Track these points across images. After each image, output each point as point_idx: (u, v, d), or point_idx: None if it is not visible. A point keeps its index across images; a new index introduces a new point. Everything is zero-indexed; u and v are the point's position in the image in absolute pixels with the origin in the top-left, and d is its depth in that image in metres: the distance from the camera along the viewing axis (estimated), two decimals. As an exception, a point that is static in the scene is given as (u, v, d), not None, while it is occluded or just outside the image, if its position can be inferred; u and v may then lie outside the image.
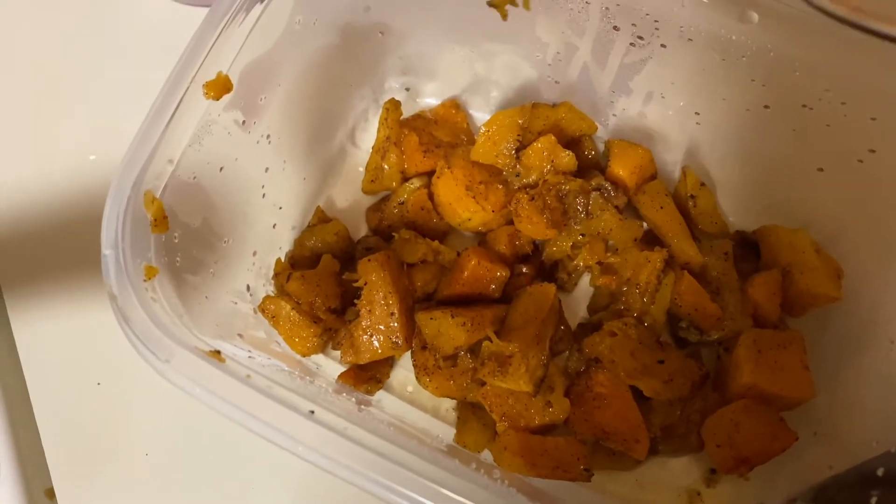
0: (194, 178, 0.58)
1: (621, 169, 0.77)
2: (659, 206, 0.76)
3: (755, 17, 0.58)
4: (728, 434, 0.69)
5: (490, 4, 0.54)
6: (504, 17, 0.57)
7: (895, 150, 0.61)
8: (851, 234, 0.70)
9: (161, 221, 0.55)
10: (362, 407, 0.59)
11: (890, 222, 0.65)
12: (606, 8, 0.63)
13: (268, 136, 0.66)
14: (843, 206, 0.68)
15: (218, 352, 0.52)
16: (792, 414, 0.69)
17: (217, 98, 0.57)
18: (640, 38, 0.64)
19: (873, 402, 0.64)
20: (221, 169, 0.61)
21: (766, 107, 0.64)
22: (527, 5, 0.62)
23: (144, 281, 0.52)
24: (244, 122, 0.62)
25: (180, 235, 0.58)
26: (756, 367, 0.70)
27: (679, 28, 0.61)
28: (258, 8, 0.58)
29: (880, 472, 0.56)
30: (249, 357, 0.58)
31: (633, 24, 0.64)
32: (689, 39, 0.62)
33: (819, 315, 0.73)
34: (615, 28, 0.65)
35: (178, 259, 0.58)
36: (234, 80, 0.58)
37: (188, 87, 0.55)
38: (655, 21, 0.62)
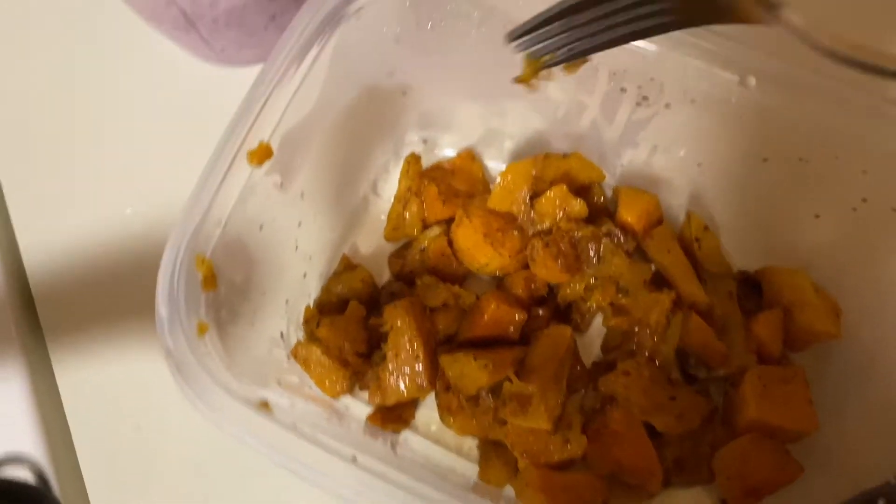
0: (238, 237, 0.63)
1: (629, 215, 0.82)
2: (666, 249, 0.81)
3: (753, 81, 0.63)
4: (737, 466, 0.73)
5: (517, 81, 0.58)
6: (533, 88, 0.62)
7: (885, 200, 0.66)
8: (848, 276, 0.75)
9: (210, 280, 0.59)
10: (398, 451, 0.63)
11: (883, 265, 0.70)
12: (614, 73, 0.68)
13: (302, 194, 0.71)
14: (840, 249, 0.73)
15: (266, 402, 0.56)
16: (799, 447, 0.73)
17: (259, 164, 0.62)
18: (646, 98, 0.70)
19: (876, 434, 0.68)
20: (261, 227, 0.66)
21: (764, 160, 0.69)
22: (551, 77, 0.66)
23: (197, 337, 0.57)
24: (282, 183, 0.66)
25: (225, 291, 0.62)
26: (761, 402, 0.74)
27: (683, 91, 0.66)
28: (297, 78, 0.63)
29: (881, 502, 0.60)
30: (291, 406, 0.62)
31: (639, 87, 0.69)
32: (692, 101, 0.67)
33: (820, 351, 0.78)
34: (622, 90, 0.70)
35: (223, 313, 0.62)
36: (274, 146, 0.63)
37: (234, 158, 0.59)
38: (661, 84, 0.67)
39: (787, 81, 0.62)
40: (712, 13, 0.45)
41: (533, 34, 0.53)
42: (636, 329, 0.79)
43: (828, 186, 0.68)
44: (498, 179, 0.81)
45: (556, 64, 0.53)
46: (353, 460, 0.54)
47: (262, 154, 0.62)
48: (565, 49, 0.52)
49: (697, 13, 0.46)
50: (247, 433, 0.54)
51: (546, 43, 0.52)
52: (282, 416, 0.56)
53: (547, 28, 0.52)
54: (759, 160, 0.70)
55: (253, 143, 0.61)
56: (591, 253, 0.79)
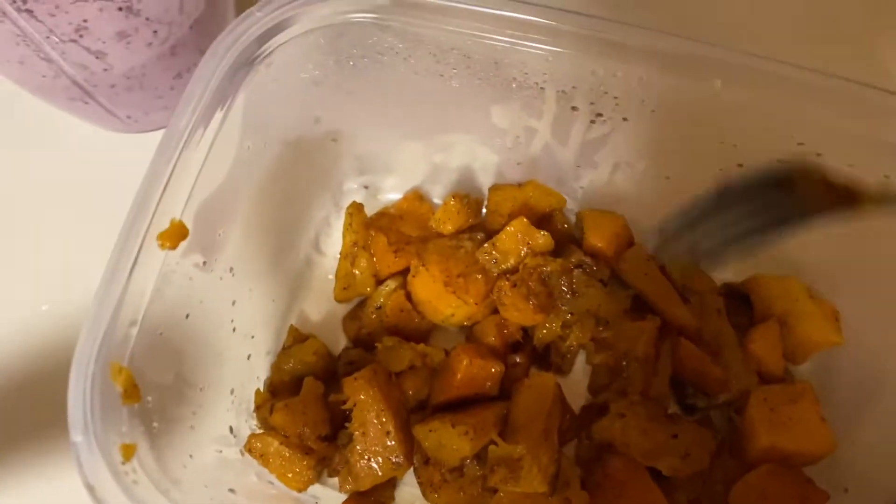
0: (160, 333, 0.54)
1: (598, 240, 0.75)
2: (643, 272, 0.74)
3: (718, 83, 0.57)
4: (756, 502, 0.66)
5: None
6: None
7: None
8: (844, 275, 0.69)
9: (132, 391, 0.50)
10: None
11: (882, 258, 0.64)
12: (562, 91, 0.61)
13: (231, 269, 0.62)
14: (832, 247, 0.67)
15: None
16: (819, 470, 0.66)
17: (174, 247, 0.53)
18: (600, 114, 0.63)
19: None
20: (188, 316, 0.57)
21: (739, 165, 0.63)
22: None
23: (122, 464, 0.47)
24: (205, 262, 0.58)
25: (154, 398, 0.53)
26: (771, 427, 0.67)
27: (640, 101, 0.60)
28: (204, 145, 0.55)
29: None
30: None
31: (591, 103, 0.62)
32: (652, 111, 0.60)
33: (823, 360, 0.72)
34: (573, 108, 0.63)
35: (154, 424, 0.53)
36: (188, 223, 0.54)
37: (142, 244, 0.51)
38: (615, 98, 0.61)
39: (757, 79, 0.56)
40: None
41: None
42: (624, 364, 0.72)
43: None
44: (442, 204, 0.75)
45: None
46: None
47: (175, 234, 0.53)
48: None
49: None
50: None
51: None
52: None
53: None
54: (734, 166, 0.63)
55: (163, 223, 0.52)
56: (564, 288, 0.72)
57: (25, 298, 0.79)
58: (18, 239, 0.82)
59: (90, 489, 0.46)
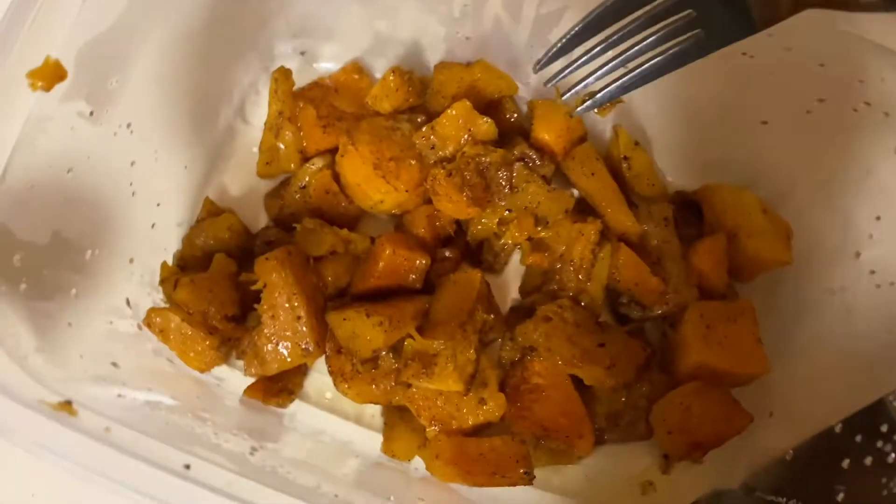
0: (31, 186, 0.48)
1: (546, 132, 0.69)
2: (590, 172, 0.68)
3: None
4: (679, 420, 0.64)
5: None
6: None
7: (846, 100, 0.54)
8: (801, 192, 0.64)
9: (-12, 246, 0.44)
10: (254, 449, 0.51)
11: (843, 177, 0.59)
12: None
13: (128, 125, 0.56)
14: (792, 161, 0.62)
15: (69, 402, 0.43)
16: (746, 392, 0.64)
17: (48, 88, 0.46)
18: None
19: (830, 374, 0.58)
20: (69, 171, 0.51)
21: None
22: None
23: (-32, 321, 0.43)
24: (92, 112, 0.51)
25: (23, 257, 0.48)
26: (705, 344, 0.64)
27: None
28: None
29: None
30: (119, 397, 0.49)
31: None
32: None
33: (769, 280, 0.68)
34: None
35: (22, 286, 0.48)
36: (67, 64, 0.47)
37: (7, 82, 0.44)
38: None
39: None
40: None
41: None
42: (558, 266, 0.68)
43: (777, 86, 0.57)
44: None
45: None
46: (187, 469, 0.41)
47: (49, 74, 0.46)
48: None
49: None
50: (40, 448, 0.40)
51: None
52: (93, 422, 0.42)
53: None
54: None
55: (34, 60, 0.45)
56: (503, 182, 0.67)
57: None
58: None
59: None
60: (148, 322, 0.62)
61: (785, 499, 0.54)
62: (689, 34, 0.48)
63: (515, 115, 0.72)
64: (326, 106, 0.70)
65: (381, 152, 0.66)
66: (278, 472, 0.46)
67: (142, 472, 0.40)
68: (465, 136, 0.66)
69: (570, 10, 0.58)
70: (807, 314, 0.63)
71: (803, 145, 0.60)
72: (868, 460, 0.48)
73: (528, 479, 0.62)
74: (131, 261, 0.61)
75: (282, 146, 0.69)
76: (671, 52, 0.49)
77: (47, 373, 0.45)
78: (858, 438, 0.50)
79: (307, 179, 0.69)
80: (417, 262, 0.65)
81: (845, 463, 0.51)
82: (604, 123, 0.71)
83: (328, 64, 0.74)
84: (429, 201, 0.68)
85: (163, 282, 0.65)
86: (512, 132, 0.71)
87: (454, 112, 0.66)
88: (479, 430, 0.65)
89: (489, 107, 0.71)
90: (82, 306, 0.55)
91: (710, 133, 0.66)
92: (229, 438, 0.50)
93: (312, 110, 0.69)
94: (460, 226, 0.70)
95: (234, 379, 0.66)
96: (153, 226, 0.64)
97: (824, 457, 0.54)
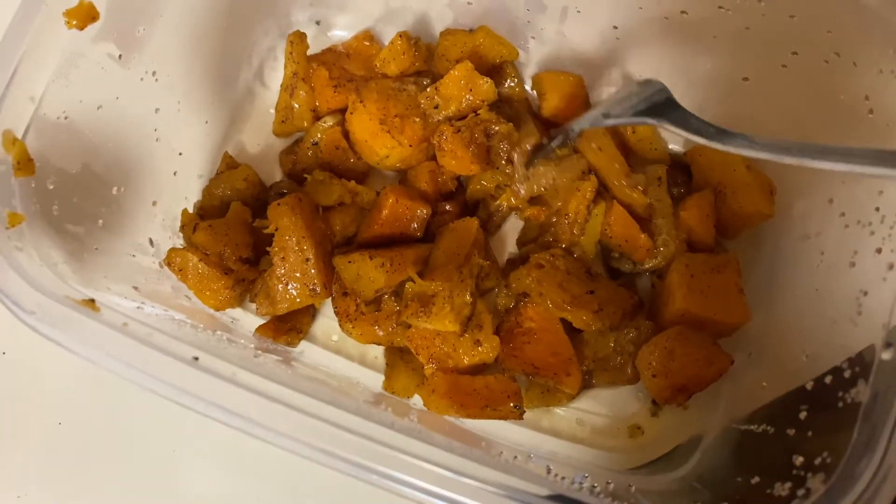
0: (65, 117, 0.53)
1: (558, 100, 0.73)
2: (597, 147, 0.71)
3: None
4: (663, 363, 0.67)
5: None
6: None
7: (818, 51, 0.58)
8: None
9: (25, 164, 0.50)
10: (259, 353, 0.55)
11: (817, 129, 0.62)
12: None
13: (153, 73, 0.61)
14: (771, 116, 0.65)
15: (92, 300, 0.48)
16: (728, 340, 0.67)
17: (81, 27, 0.52)
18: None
19: (805, 318, 0.61)
20: (99, 108, 0.56)
21: (683, 12, 0.61)
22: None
23: (7, 228, 0.48)
24: (121, 56, 0.57)
25: (55, 182, 0.53)
26: (689, 293, 0.67)
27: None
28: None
29: (809, 385, 0.54)
30: (139, 308, 0.54)
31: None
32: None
33: (752, 234, 0.71)
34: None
35: (54, 207, 0.53)
36: (100, 7, 0.53)
37: (43, 14, 0.49)
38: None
39: None
40: None
41: None
42: (554, 220, 0.72)
43: (753, 40, 0.60)
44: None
45: None
46: (195, 361, 0.46)
47: (83, 14, 0.52)
48: None
49: None
50: (65, 334, 0.45)
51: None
52: (113, 317, 0.47)
53: None
54: (677, 14, 0.61)
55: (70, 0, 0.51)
56: (502, 153, 0.71)
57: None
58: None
59: (-31, 248, 0.46)
60: (168, 261, 0.66)
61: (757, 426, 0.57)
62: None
63: (516, 80, 0.76)
64: (338, 69, 0.75)
65: (387, 109, 0.71)
66: (283, 370, 0.50)
67: (155, 360, 0.45)
68: (467, 97, 0.71)
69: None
70: (785, 261, 0.65)
71: (781, 100, 0.63)
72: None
73: (518, 414, 0.65)
74: (154, 203, 0.66)
75: (296, 105, 0.74)
76: None
77: (74, 279, 0.50)
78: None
79: (319, 136, 0.74)
80: (419, 211, 0.70)
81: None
82: (603, 88, 0.75)
83: (341, 32, 0.79)
84: (432, 158, 0.73)
85: (183, 227, 0.70)
86: (512, 100, 0.76)
87: (456, 73, 0.70)
88: (475, 371, 0.68)
89: (491, 71, 0.75)
90: (108, 237, 0.60)
91: (698, 93, 0.68)
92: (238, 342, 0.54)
93: (325, 71, 0.74)
94: (461, 184, 0.74)
95: (246, 320, 0.71)
96: (175, 173, 0.69)
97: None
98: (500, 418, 0.65)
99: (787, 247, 0.66)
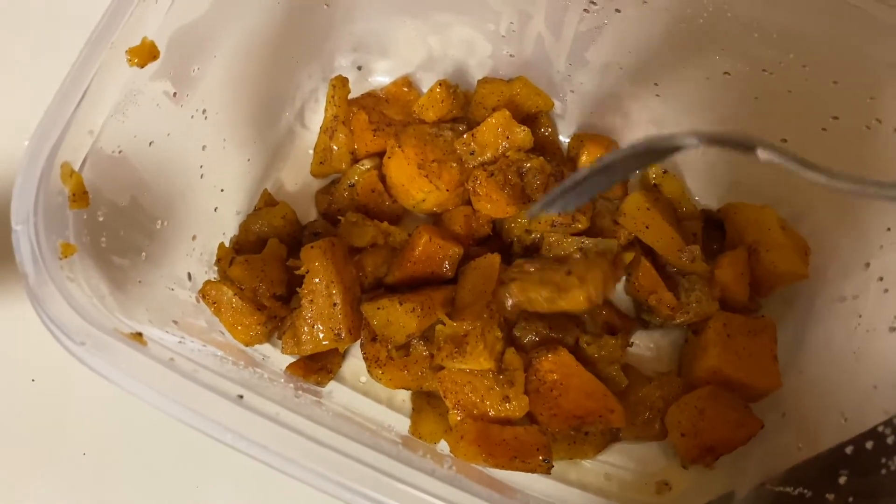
0: (119, 151, 0.54)
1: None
2: (644, 225, 0.71)
3: (713, -22, 0.56)
4: (692, 422, 0.66)
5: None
6: None
7: (858, 117, 0.58)
8: (818, 209, 0.68)
9: (80, 196, 0.50)
10: (300, 393, 0.55)
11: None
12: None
13: (203, 111, 0.62)
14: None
15: (139, 334, 0.48)
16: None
17: (142, 66, 0.53)
18: (594, 2, 0.62)
19: (841, 379, 0.61)
20: (151, 143, 0.57)
21: (726, 73, 0.62)
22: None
23: (60, 259, 0.48)
24: (175, 93, 0.58)
25: (105, 214, 0.54)
26: (723, 352, 0.67)
27: (633, -9, 0.59)
28: (185, -31, 0.54)
29: (849, 450, 0.53)
30: (180, 342, 0.54)
31: (586, -10, 0.61)
32: (644, 2, 0.59)
33: (785, 294, 0.71)
34: (567, -7, 0.62)
35: (102, 239, 0.54)
36: (161, 46, 0.54)
37: (108, 52, 0.51)
38: (609, -16, 0.59)
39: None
40: None
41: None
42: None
43: (795, 103, 0.61)
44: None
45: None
46: (240, 399, 0.46)
47: (144, 53, 0.53)
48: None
49: None
50: (113, 368, 0.46)
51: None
52: (160, 352, 0.48)
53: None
54: (720, 75, 0.62)
55: (133, 39, 0.52)
56: (538, 184, 0.72)
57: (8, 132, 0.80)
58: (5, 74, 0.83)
59: (24, 277, 0.47)
60: (203, 293, 0.67)
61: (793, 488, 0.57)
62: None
63: (550, 130, 0.77)
64: (377, 113, 0.76)
65: (425, 154, 0.72)
66: (322, 411, 0.50)
67: (201, 396, 0.45)
68: (504, 144, 0.72)
69: (608, 27, 0.64)
70: (819, 321, 0.66)
71: (819, 162, 0.64)
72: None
73: (547, 468, 0.65)
74: (194, 238, 0.67)
75: (335, 147, 0.75)
76: None
77: (119, 312, 0.51)
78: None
79: (356, 178, 0.75)
80: (451, 251, 0.70)
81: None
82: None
83: (381, 78, 0.81)
84: (466, 203, 0.74)
85: (219, 261, 0.70)
86: (546, 148, 0.77)
87: (494, 120, 0.71)
88: (499, 423, 0.68)
89: (526, 120, 0.76)
90: (150, 269, 0.60)
91: (734, 154, 0.70)
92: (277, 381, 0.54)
93: (364, 115, 0.75)
94: (496, 229, 0.75)
95: (276, 357, 0.71)
96: (216, 209, 0.70)
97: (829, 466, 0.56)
98: (528, 471, 0.64)
99: (821, 308, 0.66)
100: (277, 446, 0.45)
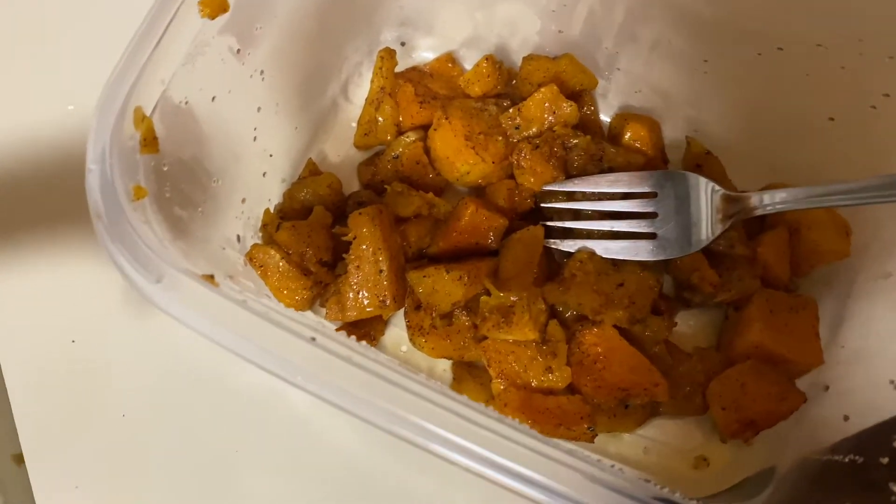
0: (186, 103, 0.54)
1: (638, 140, 0.75)
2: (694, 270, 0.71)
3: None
4: (734, 396, 0.67)
5: None
6: None
7: (911, 93, 0.59)
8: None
9: (151, 142, 0.51)
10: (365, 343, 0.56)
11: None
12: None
13: (261, 72, 0.63)
14: (853, 157, 0.67)
15: (212, 276, 0.48)
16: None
17: (212, 17, 0.54)
18: (651, -24, 0.63)
19: (888, 351, 0.61)
20: (214, 99, 0.58)
21: (779, 48, 0.63)
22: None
23: (132, 200, 0.48)
24: (239, 50, 0.58)
25: (170, 164, 0.54)
26: (765, 327, 0.67)
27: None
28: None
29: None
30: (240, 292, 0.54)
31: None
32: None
33: (825, 273, 0.72)
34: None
35: (166, 189, 0.54)
36: (230, 0, 0.55)
37: (181, 3, 0.51)
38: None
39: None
40: None
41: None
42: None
43: (847, 79, 0.62)
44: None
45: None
46: (312, 340, 0.46)
47: (215, 5, 0.53)
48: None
49: None
50: (188, 308, 0.46)
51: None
52: (233, 293, 0.48)
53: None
54: (773, 49, 0.63)
55: (204, -10, 0.53)
56: (579, 162, 0.73)
57: (53, 97, 0.80)
58: (48, 37, 0.84)
59: (97, 216, 0.47)
60: (251, 255, 0.67)
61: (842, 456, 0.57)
62: (645, 235, 0.69)
63: (592, 108, 0.78)
64: (423, 87, 0.77)
65: (471, 127, 0.73)
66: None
67: (278, 337, 0.45)
68: (550, 118, 0.73)
69: (661, 4, 0.64)
70: (862, 298, 0.66)
71: (866, 142, 0.65)
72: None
73: (591, 436, 0.65)
74: (243, 200, 0.67)
75: (380, 119, 0.76)
76: (626, 244, 0.69)
77: (185, 259, 0.51)
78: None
79: (401, 150, 0.75)
80: (497, 222, 0.70)
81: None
82: (679, 132, 0.77)
83: (425, 54, 0.82)
84: (510, 177, 0.74)
85: (264, 226, 0.71)
86: (587, 125, 0.77)
87: (541, 95, 0.72)
88: (542, 393, 0.68)
89: (569, 98, 0.76)
90: (204, 226, 0.60)
91: (780, 131, 0.70)
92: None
93: (411, 87, 0.75)
94: (537, 204, 0.75)
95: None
96: (264, 174, 0.70)
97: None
98: (572, 439, 0.65)
99: (864, 285, 0.67)
100: (354, 388, 0.45)
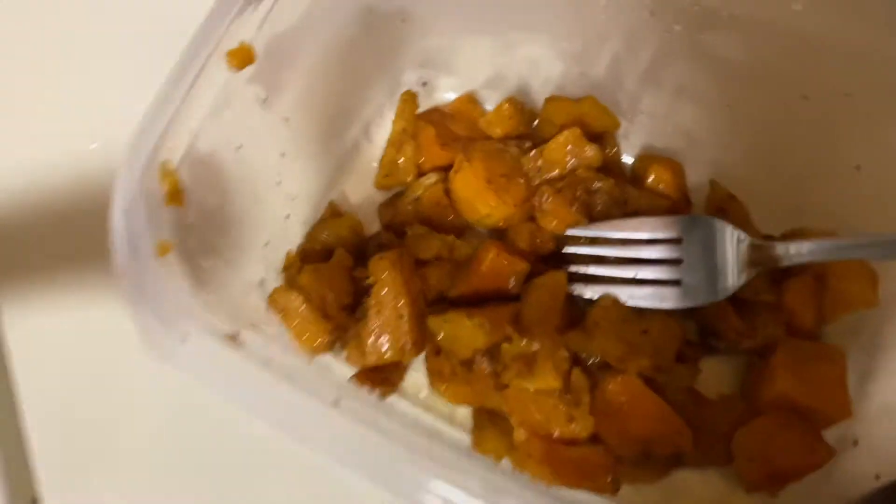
0: (212, 153, 0.54)
1: (661, 183, 0.74)
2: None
3: (799, 5, 0.56)
4: (760, 447, 0.65)
5: None
6: None
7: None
8: (885, 236, 0.68)
9: (176, 195, 0.51)
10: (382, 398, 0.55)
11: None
12: (646, -5, 0.61)
13: (287, 119, 0.63)
14: (880, 205, 0.66)
15: (235, 336, 0.48)
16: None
17: (240, 68, 0.54)
18: (677, 24, 0.62)
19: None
20: (239, 147, 0.58)
21: (804, 97, 0.62)
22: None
23: (157, 256, 0.48)
24: (265, 99, 0.58)
25: (195, 215, 0.54)
26: (791, 377, 0.66)
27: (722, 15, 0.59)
28: (283, -22, 0.55)
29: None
30: (265, 348, 0.54)
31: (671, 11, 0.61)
32: (730, 26, 0.60)
33: (850, 322, 0.70)
34: (651, 14, 0.62)
35: (192, 241, 0.54)
36: (257, 51, 0.55)
37: (211, 54, 0.51)
38: (695, 7, 0.60)
39: (836, 4, 0.55)
40: None
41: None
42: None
43: (874, 127, 0.61)
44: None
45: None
46: (336, 404, 0.45)
47: (242, 56, 0.54)
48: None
49: None
50: (213, 369, 0.45)
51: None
52: (256, 354, 0.47)
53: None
54: (798, 97, 0.62)
55: (233, 42, 0.53)
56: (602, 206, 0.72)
57: (76, 135, 0.81)
58: (73, 74, 0.84)
59: (122, 272, 0.47)
60: (272, 299, 0.67)
61: None
62: (670, 282, 0.68)
63: (615, 149, 0.77)
64: (444, 128, 0.77)
65: (492, 169, 0.72)
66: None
67: (301, 401, 0.45)
68: (572, 161, 0.72)
69: (687, 51, 0.64)
70: (889, 349, 0.65)
71: (893, 190, 0.64)
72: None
73: (614, 488, 0.64)
74: (266, 244, 0.67)
75: (401, 160, 0.76)
76: (650, 290, 0.68)
77: (209, 313, 0.51)
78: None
79: (421, 192, 0.75)
80: (519, 267, 0.69)
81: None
82: (702, 175, 0.76)
83: (446, 94, 0.81)
84: (531, 219, 0.74)
85: (286, 268, 0.70)
86: (610, 167, 0.77)
87: (563, 138, 0.72)
88: (564, 443, 0.67)
89: (591, 140, 0.76)
90: (229, 274, 0.60)
91: (804, 177, 0.70)
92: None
93: (432, 129, 0.75)
94: (559, 248, 0.75)
95: (337, 370, 0.71)
96: (287, 217, 0.70)
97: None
98: (595, 491, 0.64)
99: (890, 336, 0.66)
100: (378, 457, 0.44)
